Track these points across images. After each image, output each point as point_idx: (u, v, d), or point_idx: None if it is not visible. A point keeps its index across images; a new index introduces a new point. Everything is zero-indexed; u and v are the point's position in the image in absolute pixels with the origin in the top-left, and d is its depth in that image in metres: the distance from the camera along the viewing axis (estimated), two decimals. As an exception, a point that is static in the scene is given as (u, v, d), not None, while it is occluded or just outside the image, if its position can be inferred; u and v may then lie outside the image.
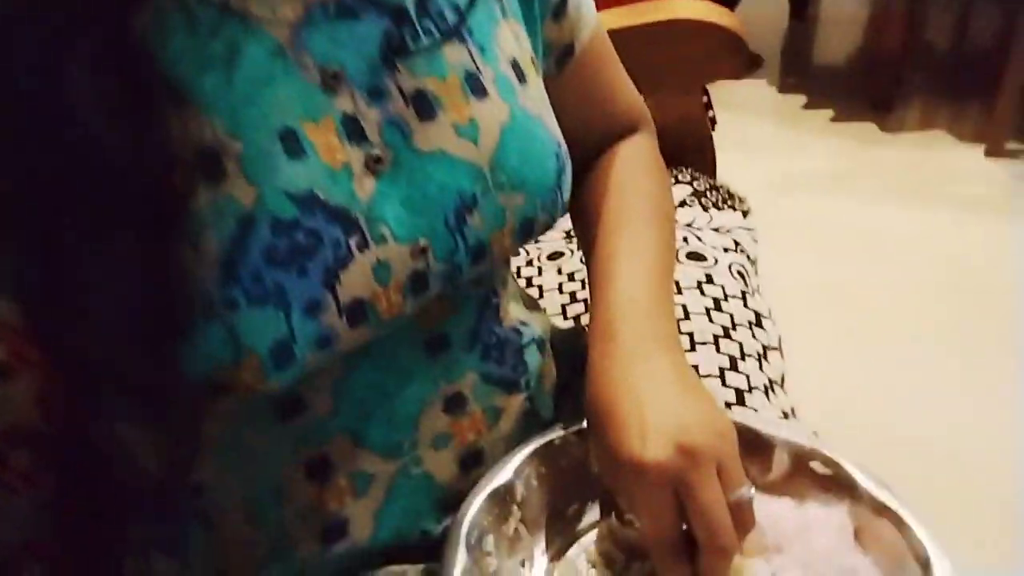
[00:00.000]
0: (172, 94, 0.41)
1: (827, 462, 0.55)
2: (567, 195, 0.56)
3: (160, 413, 0.44)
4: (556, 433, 0.58)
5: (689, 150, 1.23)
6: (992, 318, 1.60)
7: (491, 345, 0.58)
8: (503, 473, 0.55)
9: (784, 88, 2.64)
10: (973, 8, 2.95)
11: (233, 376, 0.43)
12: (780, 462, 0.56)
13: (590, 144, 0.66)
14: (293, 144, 0.44)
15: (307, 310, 0.44)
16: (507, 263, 0.61)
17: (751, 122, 2.33)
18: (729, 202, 1.18)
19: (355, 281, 0.45)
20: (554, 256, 1.03)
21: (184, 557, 0.53)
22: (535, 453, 0.57)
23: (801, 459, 0.56)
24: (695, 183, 1.18)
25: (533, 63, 0.57)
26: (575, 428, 0.58)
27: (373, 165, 0.47)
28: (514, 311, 0.62)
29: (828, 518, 0.53)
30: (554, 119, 0.57)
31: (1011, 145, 2.11)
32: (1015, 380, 1.46)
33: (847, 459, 0.54)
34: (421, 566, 0.55)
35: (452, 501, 0.55)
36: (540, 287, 0.98)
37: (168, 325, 0.41)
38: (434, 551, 0.52)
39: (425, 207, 0.48)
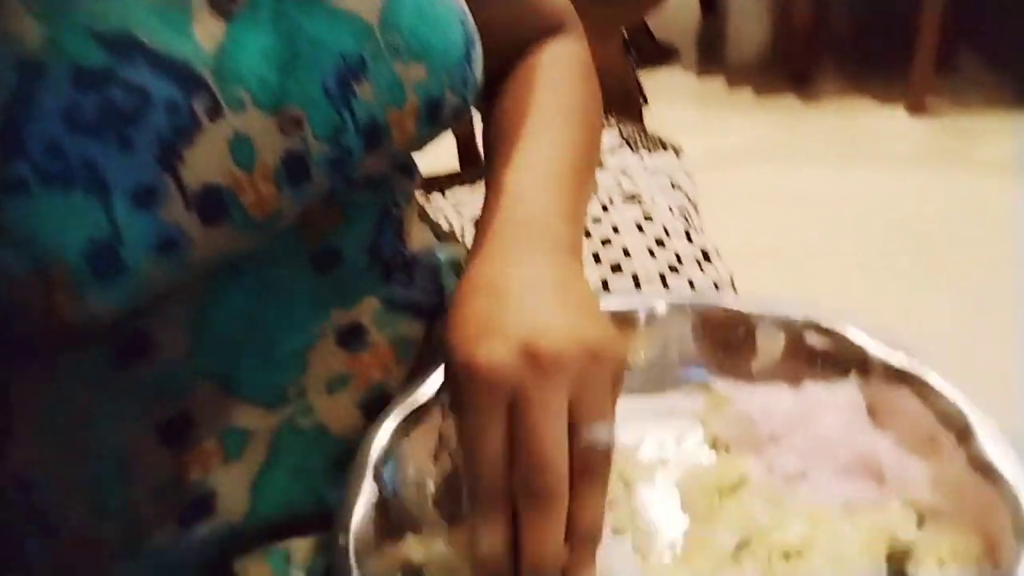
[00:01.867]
0: None
1: (826, 333, 0.44)
2: (479, 75, 0.46)
3: None
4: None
5: (613, 100, 1.16)
6: (926, 264, 1.59)
7: (395, 265, 0.47)
8: (429, 384, 0.42)
9: (703, 74, 2.62)
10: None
11: (36, 297, 0.32)
12: (768, 342, 0.45)
13: (506, 43, 0.54)
14: None
15: (137, 198, 0.33)
16: (411, 174, 0.50)
17: (673, 107, 2.29)
18: (661, 146, 1.10)
19: (205, 161, 0.34)
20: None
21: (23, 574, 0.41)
22: None
23: (794, 335, 0.45)
24: (622, 129, 1.10)
25: None
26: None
27: (223, 2, 0.36)
28: (421, 236, 0.50)
29: (833, 397, 0.42)
30: None
31: (931, 101, 2.11)
32: (953, 319, 1.43)
33: (852, 325, 0.43)
34: (311, 538, 0.42)
35: None
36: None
37: None
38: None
39: (296, 66, 0.38)
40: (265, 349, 0.41)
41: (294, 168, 0.37)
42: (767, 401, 0.43)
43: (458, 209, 0.98)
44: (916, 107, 2.11)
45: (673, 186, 0.99)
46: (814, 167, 1.94)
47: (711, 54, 2.89)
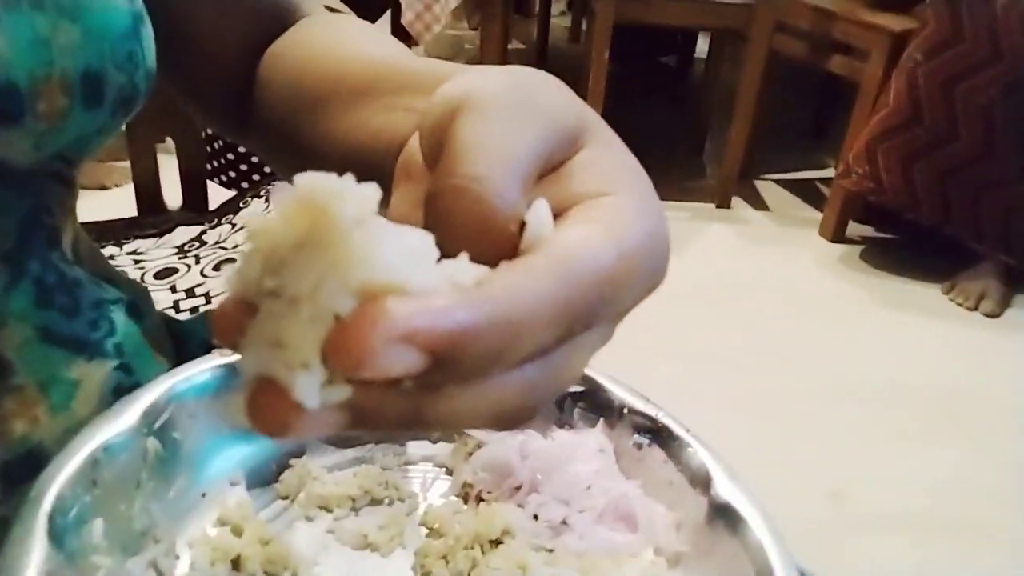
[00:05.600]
0: None
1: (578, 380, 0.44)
2: (152, 61, 0.39)
3: None
4: (198, 367, 0.38)
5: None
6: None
7: (50, 285, 0.37)
8: (116, 423, 0.34)
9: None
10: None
11: None
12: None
13: (237, 32, 0.46)
14: None
15: None
16: (68, 185, 0.40)
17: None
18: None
19: None
20: (164, 274, 0.82)
21: None
22: (169, 398, 0.37)
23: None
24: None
25: None
26: (219, 361, 0.39)
27: None
28: (93, 261, 0.42)
29: (585, 443, 0.42)
30: None
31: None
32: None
33: (601, 374, 0.44)
34: None
35: None
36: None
37: None
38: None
39: None
40: None
41: None
42: (523, 449, 0.41)
43: (138, 262, 0.84)
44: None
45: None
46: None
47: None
